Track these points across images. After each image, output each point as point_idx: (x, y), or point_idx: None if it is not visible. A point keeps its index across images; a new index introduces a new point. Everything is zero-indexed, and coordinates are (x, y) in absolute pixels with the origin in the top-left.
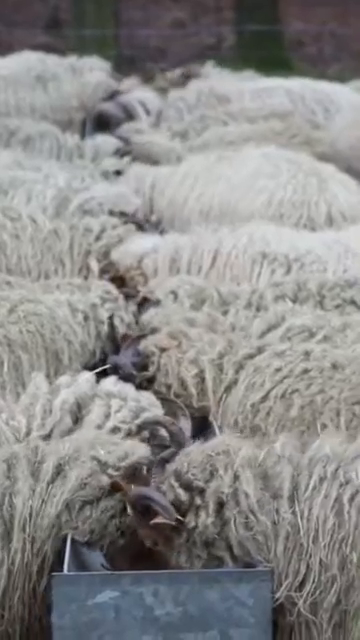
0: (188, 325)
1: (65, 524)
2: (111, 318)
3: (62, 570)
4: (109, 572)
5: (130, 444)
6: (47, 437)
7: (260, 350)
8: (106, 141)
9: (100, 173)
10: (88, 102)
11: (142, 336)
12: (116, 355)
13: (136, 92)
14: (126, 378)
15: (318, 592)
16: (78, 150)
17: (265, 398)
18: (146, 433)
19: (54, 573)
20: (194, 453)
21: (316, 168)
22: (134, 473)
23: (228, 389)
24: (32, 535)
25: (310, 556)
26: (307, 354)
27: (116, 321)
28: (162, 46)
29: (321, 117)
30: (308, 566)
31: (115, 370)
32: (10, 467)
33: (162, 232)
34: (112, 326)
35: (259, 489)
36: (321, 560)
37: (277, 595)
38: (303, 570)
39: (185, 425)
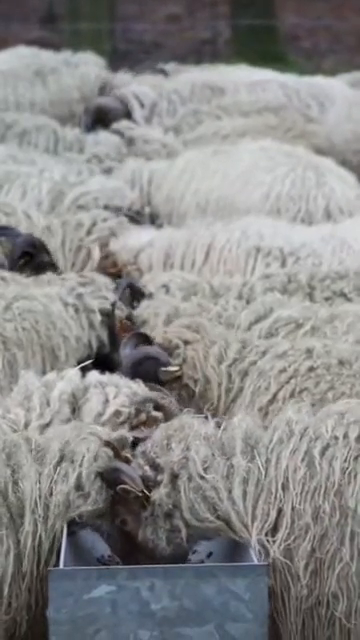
0: (176, 315)
1: (75, 502)
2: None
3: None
4: (105, 567)
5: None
6: (47, 426)
7: (263, 354)
8: (107, 136)
9: (97, 167)
10: (89, 94)
11: (144, 335)
12: (122, 349)
13: (132, 85)
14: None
15: (292, 538)
16: (78, 144)
17: (273, 400)
18: (144, 416)
19: (50, 568)
20: (156, 434)
21: (314, 162)
22: (124, 445)
23: (235, 398)
24: (44, 516)
25: (280, 501)
26: (309, 352)
27: (99, 302)
28: (157, 41)
29: (316, 111)
30: (280, 511)
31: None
32: (10, 455)
33: (160, 227)
34: (106, 314)
35: (210, 455)
36: (294, 507)
37: (250, 538)
38: (274, 514)
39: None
